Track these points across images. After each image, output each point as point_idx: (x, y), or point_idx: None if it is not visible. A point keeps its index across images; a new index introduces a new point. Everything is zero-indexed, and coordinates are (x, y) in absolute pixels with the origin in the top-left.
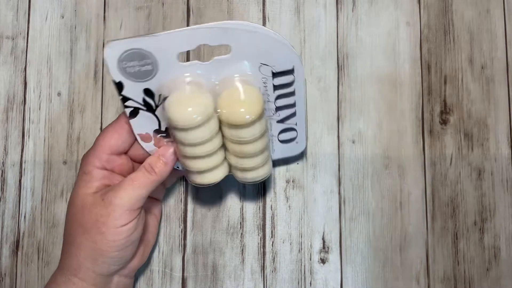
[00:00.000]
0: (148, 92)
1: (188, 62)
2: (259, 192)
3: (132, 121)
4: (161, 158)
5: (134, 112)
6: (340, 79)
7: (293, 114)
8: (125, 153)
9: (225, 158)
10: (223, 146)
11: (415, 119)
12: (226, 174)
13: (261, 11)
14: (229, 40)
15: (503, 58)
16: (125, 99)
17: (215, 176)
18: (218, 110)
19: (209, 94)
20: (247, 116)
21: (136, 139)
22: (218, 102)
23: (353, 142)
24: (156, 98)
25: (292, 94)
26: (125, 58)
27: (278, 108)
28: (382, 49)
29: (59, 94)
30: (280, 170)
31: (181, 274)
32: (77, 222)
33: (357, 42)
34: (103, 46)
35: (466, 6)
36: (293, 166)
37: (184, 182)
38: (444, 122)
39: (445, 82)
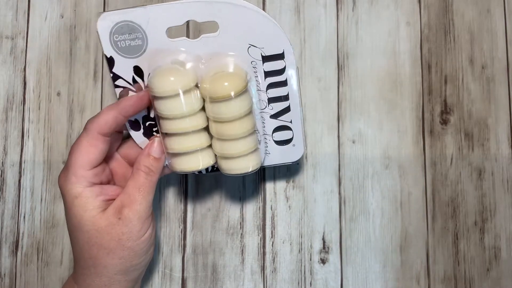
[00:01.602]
0: (137, 70)
1: (176, 39)
2: (259, 192)
3: None
4: (151, 155)
5: (124, 93)
6: (340, 79)
7: (287, 109)
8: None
9: (211, 148)
10: (209, 135)
11: (416, 119)
12: (210, 164)
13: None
14: (217, 17)
15: (503, 58)
16: (115, 77)
17: (197, 162)
18: (204, 85)
19: (192, 69)
20: (226, 85)
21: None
22: (202, 79)
23: (353, 142)
24: (145, 77)
25: (284, 83)
26: (116, 31)
27: (270, 100)
28: (383, 49)
29: (58, 94)
30: (280, 170)
31: (181, 275)
32: (97, 245)
33: (357, 42)
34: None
35: (466, 5)
36: (293, 166)
37: (184, 183)
38: (444, 122)
39: (445, 82)
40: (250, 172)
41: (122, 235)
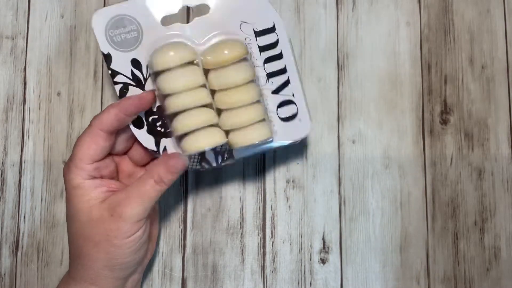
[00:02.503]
0: (135, 62)
1: (170, 25)
2: (259, 192)
3: None
4: (171, 170)
5: (124, 89)
6: (340, 79)
7: (287, 82)
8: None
9: (219, 128)
10: (213, 112)
11: (416, 119)
12: (221, 141)
13: None
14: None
15: (503, 58)
16: (114, 73)
17: (207, 139)
18: (207, 57)
19: (190, 45)
20: (228, 50)
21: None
22: (203, 53)
23: (353, 142)
24: (144, 70)
25: (279, 56)
26: (112, 26)
27: (269, 75)
28: (382, 49)
29: (58, 94)
30: (280, 170)
31: (181, 275)
32: (84, 236)
33: (357, 42)
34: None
35: (466, 6)
36: (293, 166)
37: (184, 183)
38: (444, 122)
39: (445, 82)
40: (262, 142)
41: (110, 231)
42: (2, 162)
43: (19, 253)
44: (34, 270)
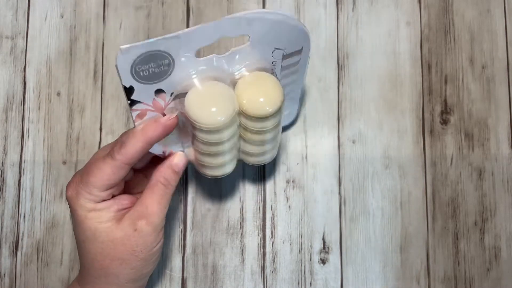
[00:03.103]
0: (159, 91)
1: (205, 57)
2: (259, 192)
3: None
4: (174, 168)
5: (141, 115)
6: (340, 79)
7: (292, 90)
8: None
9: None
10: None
11: (416, 119)
12: (236, 163)
13: None
14: (248, 30)
15: (503, 58)
16: (133, 103)
17: (229, 168)
18: (243, 102)
19: (229, 88)
20: (269, 108)
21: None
22: (238, 95)
23: (354, 142)
24: (167, 97)
25: (295, 72)
26: (140, 62)
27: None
28: (383, 49)
29: (58, 94)
30: (280, 170)
31: (181, 275)
32: (111, 256)
33: (357, 42)
34: (103, 46)
35: (466, 5)
36: (293, 166)
37: (184, 183)
38: (444, 122)
39: (445, 82)
40: (273, 158)
41: (136, 246)
42: (2, 162)
43: (18, 253)
44: (34, 270)
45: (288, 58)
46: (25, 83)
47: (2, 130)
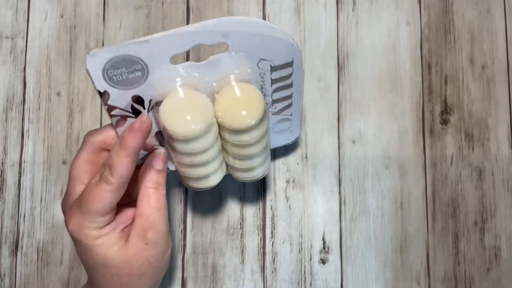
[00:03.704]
0: (137, 98)
1: (181, 64)
2: (259, 193)
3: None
4: (158, 168)
5: (122, 120)
6: (340, 79)
7: (289, 105)
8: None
9: (223, 160)
10: (222, 148)
11: (416, 119)
12: (223, 175)
13: (261, 10)
14: (227, 37)
15: (503, 58)
16: (111, 108)
17: (214, 180)
18: (219, 113)
19: (206, 97)
20: (249, 120)
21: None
22: (215, 105)
23: (354, 142)
24: (146, 103)
25: (289, 86)
26: (111, 66)
27: (274, 101)
28: (383, 49)
29: (58, 94)
30: (280, 170)
31: (180, 275)
32: (128, 275)
33: (357, 42)
34: (102, 46)
35: (466, 5)
36: (293, 166)
37: None
38: (444, 122)
39: (445, 82)
40: (264, 175)
41: (151, 258)
42: (2, 162)
43: (18, 253)
44: (34, 270)
45: (278, 70)
46: (25, 83)
47: (2, 130)
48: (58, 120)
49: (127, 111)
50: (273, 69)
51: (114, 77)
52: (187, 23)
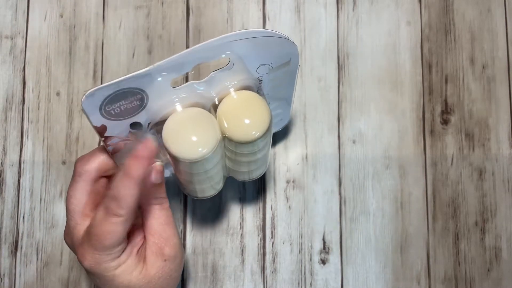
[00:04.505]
0: (135, 124)
1: (181, 86)
2: (259, 193)
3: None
4: (156, 183)
5: (118, 148)
6: (340, 79)
7: (282, 99)
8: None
9: (226, 166)
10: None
11: (416, 119)
12: (225, 180)
13: (261, 10)
14: (226, 52)
15: (504, 58)
16: (108, 138)
17: (216, 189)
18: (225, 126)
19: (209, 114)
20: (257, 134)
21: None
22: (218, 115)
23: (354, 142)
24: (144, 127)
25: (284, 81)
26: (110, 101)
27: (269, 97)
28: (383, 49)
29: (58, 93)
30: (280, 170)
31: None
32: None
33: (357, 42)
34: (102, 45)
35: (467, 5)
36: (293, 166)
37: None
38: (445, 122)
39: (446, 82)
40: (262, 173)
41: (171, 271)
42: (1, 162)
43: (18, 254)
44: (33, 270)
45: (275, 71)
46: (24, 83)
47: (1, 130)
48: (58, 120)
49: (125, 138)
50: (272, 70)
51: (112, 111)
52: (187, 23)
